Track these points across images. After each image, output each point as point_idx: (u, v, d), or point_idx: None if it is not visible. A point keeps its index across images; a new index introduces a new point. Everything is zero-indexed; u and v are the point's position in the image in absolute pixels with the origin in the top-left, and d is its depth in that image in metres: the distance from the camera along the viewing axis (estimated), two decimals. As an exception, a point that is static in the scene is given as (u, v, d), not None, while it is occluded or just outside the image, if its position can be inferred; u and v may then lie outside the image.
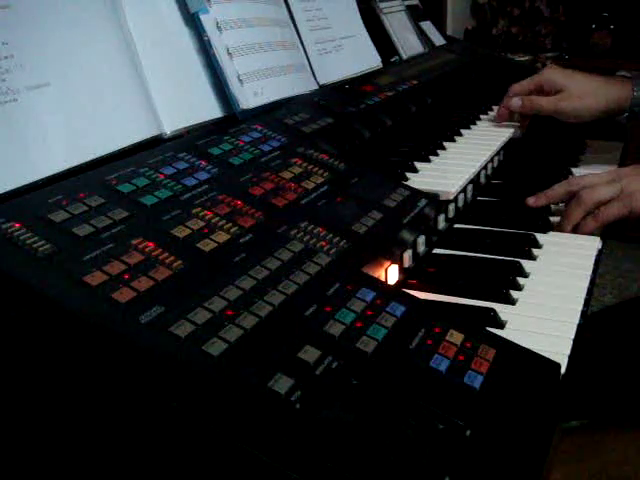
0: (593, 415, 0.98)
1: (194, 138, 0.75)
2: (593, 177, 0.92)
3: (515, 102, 1.11)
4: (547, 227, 0.91)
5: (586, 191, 0.88)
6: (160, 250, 0.54)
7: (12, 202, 0.55)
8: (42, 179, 0.59)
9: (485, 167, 1.03)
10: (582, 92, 1.09)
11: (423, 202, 0.78)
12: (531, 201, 0.93)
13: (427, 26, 1.62)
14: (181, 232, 0.57)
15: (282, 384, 0.44)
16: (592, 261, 0.81)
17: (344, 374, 0.47)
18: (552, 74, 1.14)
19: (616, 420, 0.92)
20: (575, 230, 0.89)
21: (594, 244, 0.85)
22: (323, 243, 0.62)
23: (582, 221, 0.88)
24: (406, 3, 1.53)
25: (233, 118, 0.82)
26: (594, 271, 0.79)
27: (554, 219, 0.93)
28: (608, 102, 1.09)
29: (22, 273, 0.48)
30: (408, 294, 0.61)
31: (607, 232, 0.90)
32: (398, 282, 0.71)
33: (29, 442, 0.52)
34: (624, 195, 0.86)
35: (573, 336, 0.64)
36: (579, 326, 0.66)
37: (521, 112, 1.12)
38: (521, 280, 0.75)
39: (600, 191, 0.87)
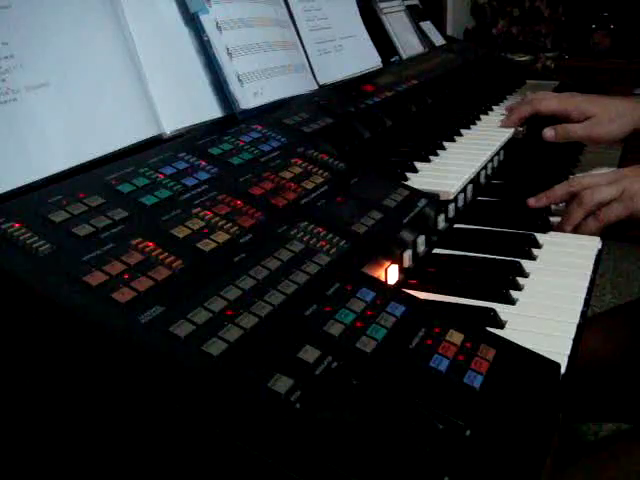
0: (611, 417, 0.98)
1: (194, 138, 0.75)
2: (594, 177, 0.92)
3: (549, 132, 1.12)
4: (547, 227, 0.91)
5: (587, 192, 0.88)
6: (160, 250, 0.54)
7: (12, 202, 0.55)
8: (42, 179, 0.59)
9: (485, 167, 1.03)
10: (611, 116, 1.11)
11: (423, 202, 0.78)
12: (532, 202, 0.94)
13: (427, 26, 1.62)
14: (181, 232, 0.57)
15: (282, 384, 0.44)
16: (592, 261, 0.81)
17: (344, 374, 0.47)
18: (582, 102, 1.15)
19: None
20: (576, 230, 0.89)
21: (594, 244, 0.85)
22: (323, 243, 0.62)
23: (583, 221, 0.88)
24: (406, 3, 1.53)
25: (233, 118, 0.82)
26: (594, 271, 0.79)
27: (554, 219, 0.93)
28: (635, 123, 1.12)
29: (22, 273, 0.48)
30: (408, 294, 0.61)
31: (607, 232, 0.90)
32: (398, 282, 0.71)
33: (30, 442, 0.52)
34: (625, 196, 0.86)
35: (573, 336, 0.64)
36: (579, 326, 0.66)
37: (554, 141, 1.13)
38: (521, 280, 0.75)
39: (601, 192, 0.87)
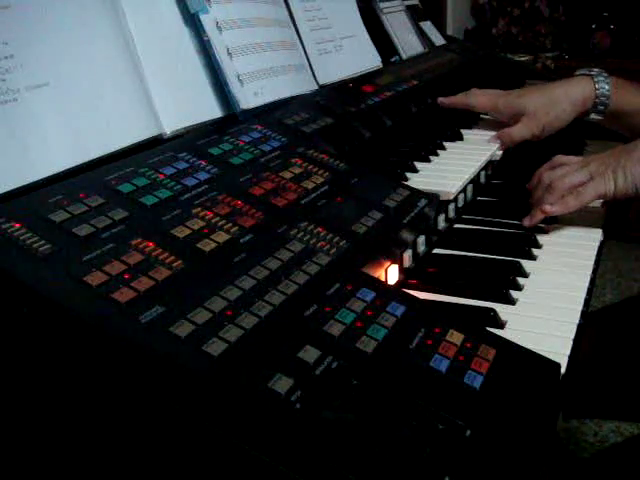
0: (610, 415, 0.97)
1: (194, 138, 0.75)
2: (563, 167, 0.92)
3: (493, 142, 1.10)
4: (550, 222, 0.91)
5: (558, 180, 0.89)
6: (160, 250, 0.54)
7: (12, 202, 0.55)
8: (42, 179, 0.59)
9: (485, 167, 1.03)
10: (547, 107, 1.08)
11: (423, 202, 0.78)
12: (526, 222, 0.91)
13: (427, 26, 1.62)
14: (181, 232, 0.57)
15: (282, 384, 0.44)
16: (592, 261, 0.81)
17: (344, 374, 0.47)
18: (509, 101, 1.13)
19: None
20: (554, 207, 0.88)
21: (594, 244, 0.85)
22: (323, 243, 0.62)
23: (561, 199, 0.88)
24: (406, 3, 1.53)
25: (233, 118, 0.82)
26: (594, 271, 0.79)
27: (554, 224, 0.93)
28: (574, 106, 1.09)
29: (22, 273, 0.48)
30: (408, 294, 0.61)
31: (607, 232, 0.90)
32: (398, 282, 0.71)
33: (29, 442, 0.52)
34: (595, 177, 0.87)
35: (573, 336, 0.64)
36: (579, 326, 0.66)
37: (502, 150, 1.11)
38: (521, 280, 0.75)
39: (571, 177, 0.88)
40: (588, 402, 1.11)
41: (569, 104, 1.09)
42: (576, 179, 0.88)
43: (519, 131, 1.09)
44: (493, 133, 1.13)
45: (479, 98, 1.16)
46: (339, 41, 1.14)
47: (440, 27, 1.77)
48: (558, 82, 1.13)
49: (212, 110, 0.82)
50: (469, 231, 0.90)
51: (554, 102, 1.09)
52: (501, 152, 1.08)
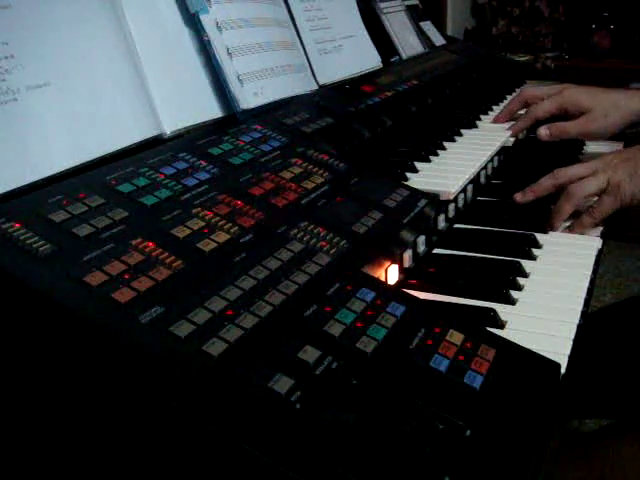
0: (609, 414, 0.97)
1: (194, 138, 0.75)
2: (578, 168, 0.92)
3: (544, 132, 1.11)
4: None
5: (574, 186, 0.89)
6: (160, 250, 0.54)
7: (12, 202, 0.55)
8: (42, 179, 0.59)
9: (485, 167, 1.03)
10: (607, 110, 1.10)
11: (423, 202, 0.78)
12: (518, 197, 0.94)
13: (427, 26, 1.62)
14: (181, 232, 0.57)
15: (282, 384, 0.44)
16: (592, 261, 0.81)
17: (344, 374, 0.47)
18: (576, 95, 1.13)
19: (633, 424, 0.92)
20: (571, 230, 0.89)
21: (594, 244, 0.85)
22: (323, 243, 0.62)
23: (577, 220, 0.88)
24: (406, 3, 1.53)
25: (233, 118, 0.83)
26: (594, 271, 0.79)
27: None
28: (631, 115, 1.10)
29: (22, 273, 0.48)
30: (408, 294, 0.61)
31: (607, 232, 0.90)
32: (398, 282, 0.71)
33: (29, 442, 0.52)
34: (613, 187, 0.87)
35: (573, 336, 0.64)
36: (579, 326, 0.66)
37: (549, 140, 1.11)
38: (521, 280, 0.75)
39: (588, 185, 0.88)
40: (589, 402, 1.11)
41: (628, 112, 1.10)
42: (592, 188, 0.88)
43: (574, 128, 1.10)
44: (493, 133, 1.13)
45: (543, 106, 1.14)
46: (339, 41, 1.14)
47: (440, 27, 1.77)
48: (619, 90, 1.14)
49: (212, 110, 0.82)
50: (469, 231, 0.90)
51: (616, 107, 1.10)
52: (507, 137, 1.09)
